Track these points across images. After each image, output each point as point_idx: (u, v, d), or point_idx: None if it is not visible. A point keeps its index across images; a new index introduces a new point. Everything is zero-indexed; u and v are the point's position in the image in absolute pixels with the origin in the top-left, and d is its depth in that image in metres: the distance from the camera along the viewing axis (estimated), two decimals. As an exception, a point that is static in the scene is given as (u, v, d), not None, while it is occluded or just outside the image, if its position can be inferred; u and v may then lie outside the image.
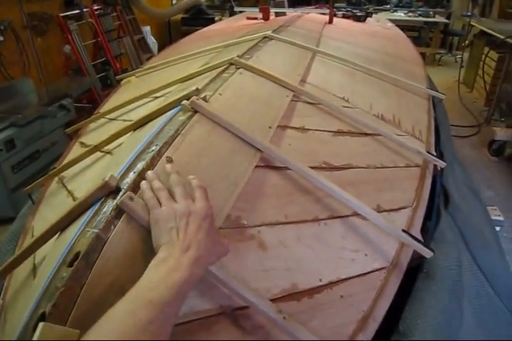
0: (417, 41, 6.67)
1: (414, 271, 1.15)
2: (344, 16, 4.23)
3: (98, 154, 1.28)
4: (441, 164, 1.48)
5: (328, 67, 1.92)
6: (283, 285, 0.80)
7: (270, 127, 1.10)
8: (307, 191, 1.02)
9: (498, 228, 2.18)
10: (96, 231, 0.61)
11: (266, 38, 2.03)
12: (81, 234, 0.62)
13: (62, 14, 4.29)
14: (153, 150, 0.79)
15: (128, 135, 1.14)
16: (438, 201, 1.49)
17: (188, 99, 0.99)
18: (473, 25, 6.11)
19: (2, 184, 3.01)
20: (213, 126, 0.95)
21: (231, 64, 1.41)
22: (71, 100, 3.67)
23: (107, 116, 1.72)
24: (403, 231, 1.05)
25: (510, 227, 2.89)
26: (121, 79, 2.45)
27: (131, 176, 0.72)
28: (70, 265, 0.57)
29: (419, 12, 7.81)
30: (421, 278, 1.13)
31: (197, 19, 7.10)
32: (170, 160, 0.78)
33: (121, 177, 0.73)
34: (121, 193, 0.68)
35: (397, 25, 4.58)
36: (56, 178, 1.43)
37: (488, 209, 2.20)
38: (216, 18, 7.10)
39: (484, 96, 5.26)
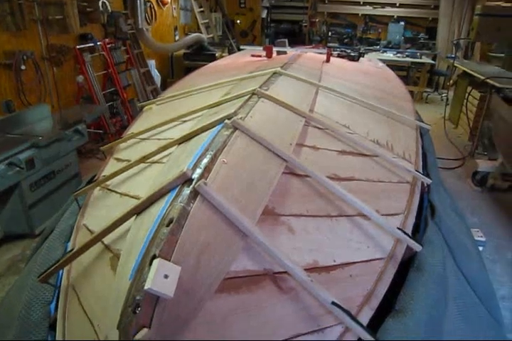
0: (405, 80, 7.13)
1: (407, 265, 1.39)
2: (339, 56, 4.62)
3: (141, 165, 1.52)
4: (427, 181, 1.75)
5: (330, 100, 2.22)
6: (307, 260, 1.04)
7: (291, 144, 1.36)
8: (321, 194, 1.27)
9: (480, 248, 2.42)
10: (182, 204, 0.85)
11: (276, 74, 2.33)
12: (171, 207, 0.86)
13: (78, 47, 4.63)
14: (210, 154, 1.04)
15: (174, 148, 1.39)
16: (425, 213, 1.74)
17: (228, 119, 1.25)
18: (456, 67, 6.58)
19: (20, 201, 3.21)
20: (250, 140, 1.21)
21: (253, 94, 1.69)
22: (85, 126, 3.94)
23: (139, 137, 1.97)
24: (398, 228, 1.30)
25: (493, 249, 3.14)
26: (143, 107, 2.73)
27: (198, 170, 0.97)
28: (167, 225, 0.81)
29: (407, 53, 8.38)
30: (412, 270, 1.36)
31: (199, 54, 7.51)
32: (225, 162, 1.02)
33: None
34: (195, 180, 0.92)
35: (386, 64, 4.97)
36: (98, 187, 1.66)
37: (471, 230, 2.45)
38: (217, 54, 7.50)
39: (468, 131, 5.63)
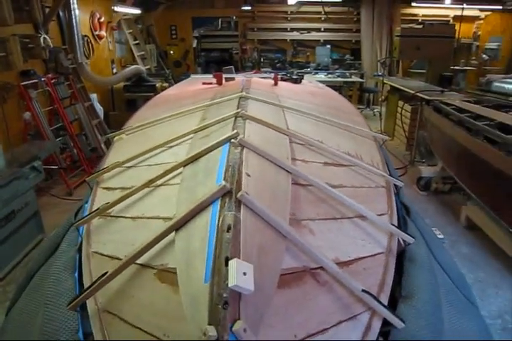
0: (340, 99, 7.61)
1: (401, 258, 1.56)
2: (282, 79, 4.89)
3: (145, 190, 1.59)
4: (399, 183, 1.95)
5: (297, 119, 2.40)
6: (330, 256, 1.17)
7: (287, 158, 1.50)
8: (323, 200, 1.41)
9: (440, 244, 2.66)
10: (233, 212, 0.96)
11: (242, 98, 2.49)
12: (222, 215, 0.96)
13: (22, 83, 4.54)
14: (234, 169, 1.16)
15: (180, 170, 1.48)
16: (401, 213, 1.93)
17: (233, 139, 1.38)
18: (385, 83, 7.14)
19: (-18, 244, 3.07)
20: (257, 156, 1.34)
21: (237, 116, 1.82)
22: (40, 162, 3.85)
23: (124, 165, 2.02)
24: (391, 224, 1.47)
25: (448, 245, 3.43)
26: (110, 138, 2.76)
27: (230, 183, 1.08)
28: (227, 231, 0.91)
29: (337, 73, 8.94)
30: (406, 261, 1.53)
31: (139, 86, 7.54)
32: (249, 175, 1.14)
33: (224, 185, 1.08)
34: (233, 192, 1.03)
35: (321, 85, 5.30)
36: (97, 216, 1.69)
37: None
38: (157, 85, 7.57)
39: (404, 142, 6.09)
